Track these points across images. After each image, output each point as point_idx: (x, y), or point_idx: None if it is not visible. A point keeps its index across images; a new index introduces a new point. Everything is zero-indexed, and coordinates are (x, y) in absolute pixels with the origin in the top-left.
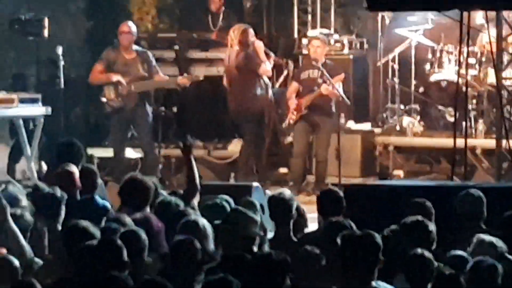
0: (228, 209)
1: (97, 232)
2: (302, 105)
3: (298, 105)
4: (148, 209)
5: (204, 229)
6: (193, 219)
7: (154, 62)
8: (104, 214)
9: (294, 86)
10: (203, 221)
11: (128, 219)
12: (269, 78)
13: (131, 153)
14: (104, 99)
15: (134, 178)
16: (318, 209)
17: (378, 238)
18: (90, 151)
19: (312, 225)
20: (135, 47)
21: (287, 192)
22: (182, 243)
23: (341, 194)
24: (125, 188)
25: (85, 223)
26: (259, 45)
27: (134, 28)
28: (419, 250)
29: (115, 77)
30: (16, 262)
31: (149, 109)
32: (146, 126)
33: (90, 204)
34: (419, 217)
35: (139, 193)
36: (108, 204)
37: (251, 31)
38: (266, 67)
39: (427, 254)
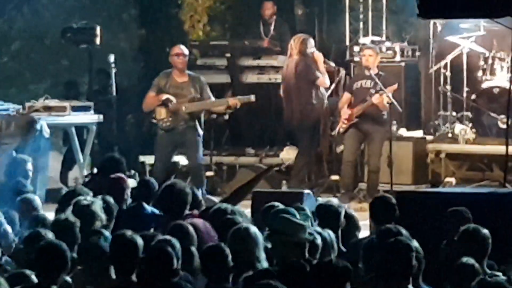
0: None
1: (139, 241)
2: (353, 115)
3: (349, 115)
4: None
5: (256, 237)
6: (244, 227)
7: (206, 87)
8: (153, 221)
9: (346, 96)
10: (254, 229)
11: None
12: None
13: (181, 159)
14: (154, 120)
15: (171, 185)
16: (370, 216)
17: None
18: (142, 158)
19: (364, 233)
20: (188, 71)
21: (335, 200)
22: (212, 249)
23: (394, 201)
24: (163, 195)
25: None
26: (319, 56)
27: (186, 51)
28: (465, 259)
29: (165, 96)
30: None
31: (199, 131)
32: (193, 150)
33: (138, 212)
34: (479, 226)
35: (176, 199)
36: (157, 211)
37: (311, 41)
38: (325, 79)
39: (472, 262)
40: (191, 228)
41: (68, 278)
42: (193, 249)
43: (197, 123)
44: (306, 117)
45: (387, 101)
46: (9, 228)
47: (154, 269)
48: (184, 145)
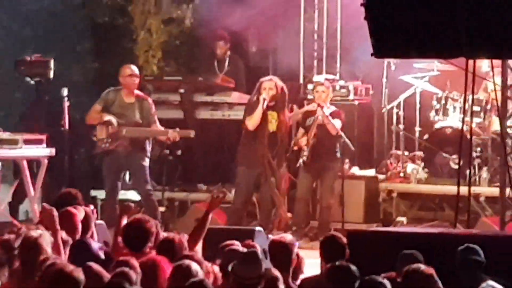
0: None
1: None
2: (310, 139)
3: (307, 140)
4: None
5: (197, 275)
6: (186, 264)
7: (153, 110)
8: (96, 257)
9: (300, 132)
10: (196, 267)
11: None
12: None
13: (133, 195)
14: (94, 138)
15: (137, 220)
16: (321, 255)
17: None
18: (93, 193)
19: (314, 271)
20: (137, 92)
21: (288, 237)
22: None
23: (344, 240)
24: (128, 229)
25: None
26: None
27: (137, 71)
28: None
29: (107, 117)
30: None
31: (143, 156)
32: (141, 173)
33: (84, 247)
34: (421, 265)
35: (141, 235)
36: (101, 246)
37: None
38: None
39: None
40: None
41: None
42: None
43: (140, 149)
44: None
45: (330, 124)
46: None
47: None
48: (131, 171)
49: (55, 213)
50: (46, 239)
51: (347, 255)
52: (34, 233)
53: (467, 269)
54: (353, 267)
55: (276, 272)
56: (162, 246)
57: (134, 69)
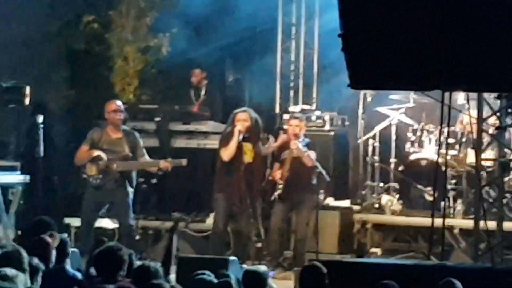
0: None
1: None
2: (284, 172)
3: (281, 174)
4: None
5: None
6: None
7: (141, 144)
8: (74, 283)
9: (276, 166)
10: None
11: None
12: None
13: (108, 223)
14: (85, 176)
15: (109, 248)
16: (300, 284)
17: None
18: (67, 220)
19: None
20: (123, 126)
21: (262, 267)
22: None
23: (324, 270)
24: (99, 257)
25: None
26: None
27: (122, 106)
28: None
29: (96, 152)
30: None
31: (130, 189)
32: (124, 208)
33: (61, 274)
34: None
35: (113, 263)
36: (78, 274)
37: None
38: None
39: None
40: None
41: None
42: None
43: (127, 182)
44: None
45: (312, 164)
46: None
47: None
48: (114, 205)
49: (25, 254)
50: (21, 280)
51: (327, 285)
52: (10, 272)
53: None
54: None
55: None
56: (137, 274)
57: (119, 104)
